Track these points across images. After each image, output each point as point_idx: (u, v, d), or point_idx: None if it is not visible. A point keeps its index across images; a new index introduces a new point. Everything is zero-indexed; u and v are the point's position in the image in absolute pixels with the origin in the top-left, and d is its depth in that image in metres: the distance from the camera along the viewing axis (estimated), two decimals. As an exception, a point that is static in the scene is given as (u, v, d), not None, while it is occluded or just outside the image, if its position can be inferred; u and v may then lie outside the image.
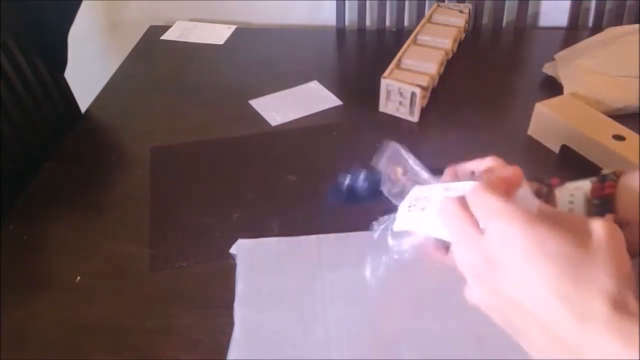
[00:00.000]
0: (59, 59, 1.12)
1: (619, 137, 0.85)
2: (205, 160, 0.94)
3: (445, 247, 0.44)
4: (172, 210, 0.84)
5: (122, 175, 0.93)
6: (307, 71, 1.17)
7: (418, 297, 0.68)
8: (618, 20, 1.36)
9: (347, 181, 0.57)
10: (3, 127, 0.93)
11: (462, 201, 0.39)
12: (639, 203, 0.48)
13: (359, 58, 1.35)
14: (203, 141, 0.98)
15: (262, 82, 1.14)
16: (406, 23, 1.41)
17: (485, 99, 1.09)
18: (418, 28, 1.19)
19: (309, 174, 0.90)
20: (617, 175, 0.51)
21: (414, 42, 1.14)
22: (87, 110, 1.08)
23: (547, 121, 0.92)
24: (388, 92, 1.01)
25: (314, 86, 1.13)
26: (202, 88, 1.14)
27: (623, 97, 0.98)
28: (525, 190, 0.41)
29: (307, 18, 1.47)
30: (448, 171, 0.51)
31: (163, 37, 1.33)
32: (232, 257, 0.75)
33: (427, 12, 1.27)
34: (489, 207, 0.37)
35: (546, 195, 0.54)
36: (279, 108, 1.06)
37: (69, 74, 1.14)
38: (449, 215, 0.40)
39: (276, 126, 1.02)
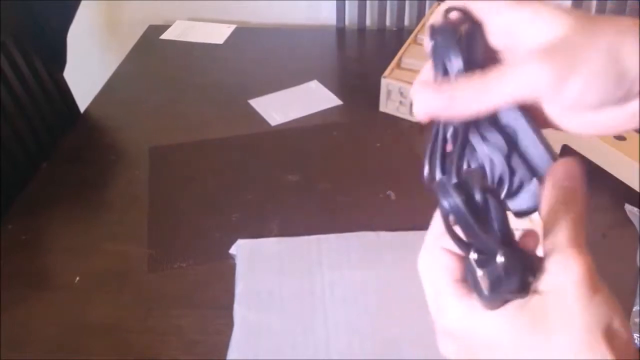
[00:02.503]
0: (58, 58, 1.12)
1: (619, 137, 0.85)
2: (205, 160, 0.94)
3: None
4: (171, 210, 0.84)
5: (121, 175, 0.93)
6: (307, 71, 1.17)
7: (418, 297, 0.68)
8: (618, 19, 1.36)
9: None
10: (2, 127, 0.93)
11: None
12: None
13: (359, 58, 1.35)
14: (203, 141, 0.98)
15: (262, 82, 1.13)
16: (406, 22, 1.40)
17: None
18: (418, 27, 1.18)
19: (309, 174, 0.90)
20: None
21: (415, 41, 1.14)
22: (86, 110, 1.08)
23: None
24: (388, 92, 1.01)
25: (314, 86, 1.13)
26: (202, 88, 1.14)
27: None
28: None
29: (307, 18, 1.46)
30: None
31: (162, 37, 1.33)
32: (232, 257, 0.75)
33: (427, 12, 1.27)
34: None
35: None
36: (279, 108, 1.06)
37: (68, 74, 1.13)
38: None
39: (276, 126, 1.01)
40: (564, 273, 0.26)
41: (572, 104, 0.29)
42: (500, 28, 0.32)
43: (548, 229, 0.28)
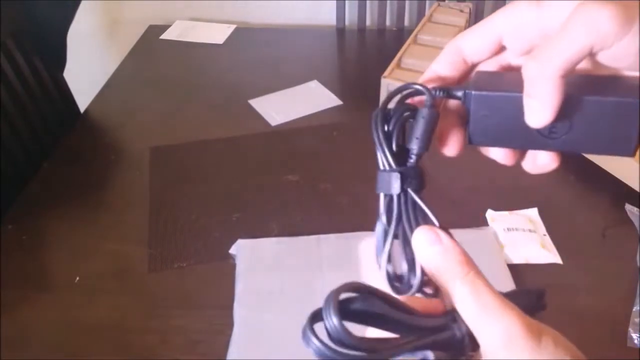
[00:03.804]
0: (58, 58, 1.12)
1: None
2: (205, 160, 0.94)
3: None
4: (171, 210, 0.84)
5: (122, 175, 0.93)
6: (307, 71, 1.17)
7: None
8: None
9: None
10: (2, 127, 0.93)
11: None
12: None
13: (359, 58, 1.35)
14: (203, 141, 0.98)
15: (262, 82, 1.13)
16: (406, 22, 1.41)
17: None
18: (418, 27, 1.18)
19: (309, 174, 0.90)
20: None
21: (415, 41, 1.14)
22: (86, 110, 1.08)
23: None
24: (388, 92, 1.01)
25: (314, 86, 1.13)
26: (202, 88, 1.14)
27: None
28: None
29: (307, 18, 1.46)
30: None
31: (162, 37, 1.33)
32: (232, 257, 0.75)
33: (427, 12, 1.27)
34: None
35: None
36: (279, 108, 1.06)
37: (68, 74, 1.13)
38: None
39: (276, 126, 1.01)
40: (499, 333, 0.26)
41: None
42: (528, 35, 0.32)
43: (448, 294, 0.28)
